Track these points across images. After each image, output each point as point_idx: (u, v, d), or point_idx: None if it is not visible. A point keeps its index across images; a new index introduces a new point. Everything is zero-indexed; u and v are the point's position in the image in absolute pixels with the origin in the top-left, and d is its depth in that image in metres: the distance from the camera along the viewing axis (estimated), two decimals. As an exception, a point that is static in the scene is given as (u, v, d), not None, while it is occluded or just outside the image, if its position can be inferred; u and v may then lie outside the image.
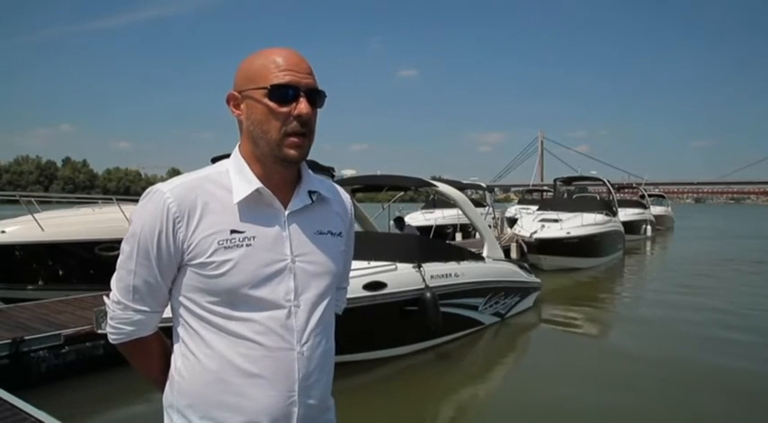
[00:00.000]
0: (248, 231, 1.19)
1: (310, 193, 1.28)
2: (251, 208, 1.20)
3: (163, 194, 1.17)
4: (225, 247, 1.17)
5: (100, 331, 5.32)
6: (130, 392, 5.29)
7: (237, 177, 1.22)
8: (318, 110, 1.23)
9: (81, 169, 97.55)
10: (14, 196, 9.43)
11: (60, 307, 6.78)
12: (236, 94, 1.22)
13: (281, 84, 1.17)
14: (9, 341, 5.24)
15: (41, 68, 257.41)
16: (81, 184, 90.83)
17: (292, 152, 1.19)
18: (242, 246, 1.18)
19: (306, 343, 1.22)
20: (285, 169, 1.24)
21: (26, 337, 5.36)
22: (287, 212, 1.24)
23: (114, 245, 8.55)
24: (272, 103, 1.17)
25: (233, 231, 1.18)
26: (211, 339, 1.19)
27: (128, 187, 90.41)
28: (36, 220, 8.22)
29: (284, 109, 1.17)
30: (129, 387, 5.23)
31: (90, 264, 8.57)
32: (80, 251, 8.54)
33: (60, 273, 8.55)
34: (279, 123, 1.18)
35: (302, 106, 1.17)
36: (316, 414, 1.26)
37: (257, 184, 1.21)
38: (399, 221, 10.29)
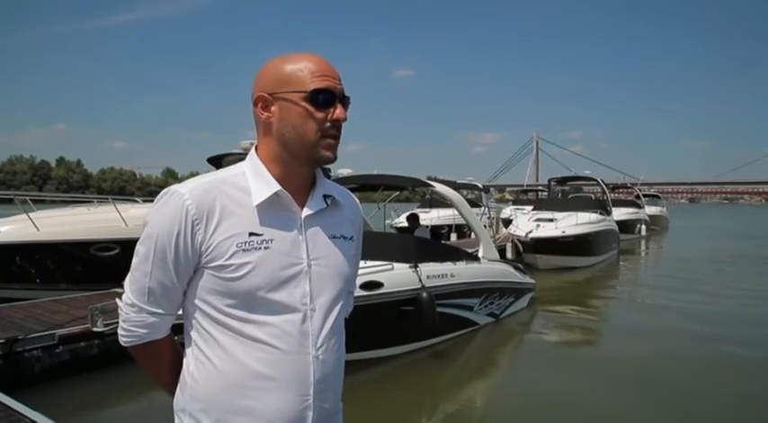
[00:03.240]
0: (266, 234, 1.19)
1: (325, 196, 1.29)
2: (269, 211, 1.21)
3: (181, 196, 1.17)
4: (243, 250, 1.17)
5: (96, 329, 5.32)
6: (125, 392, 5.29)
7: (256, 180, 1.22)
8: None
9: (75, 169, 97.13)
10: (9, 195, 9.40)
11: (55, 307, 6.75)
12: (266, 95, 1.22)
13: (322, 88, 1.19)
14: (3, 341, 5.22)
15: (36, 68, 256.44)
16: (75, 185, 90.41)
17: (328, 153, 1.22)
18: (260, 248, 1.18)
19: (321, 347, 1.23)
20: (309, 171, 1.27)
21: (20, 337, 5.33)
22: (303, 216, 1.24)
23: (110, 245, 8.54)
24: (310, 107, 1.19)
25: (251, 234, 1.18)
26: (227, 343, 1.19)
27: (122, 187, 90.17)
28: (31, 219, 8.18)
29: (321, 113, 1.19)
30: (124, 387, 5.23)
31: (86, 264, 8.54)
32: (76, 251, 8.51)
33: (55, 272, 8.52)
34: (316, 126, 1.20)
35: (339, 111, 1.21)
36: (327, 416, 1.27)
37: (276, 186, 1.21)
38: (413, 219, 10.20)
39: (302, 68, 1.20)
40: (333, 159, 1.23)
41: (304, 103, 1.19)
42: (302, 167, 1.24)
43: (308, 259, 1.23)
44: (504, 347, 7.68)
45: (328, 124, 1.20)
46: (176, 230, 1.16)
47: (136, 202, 10.70)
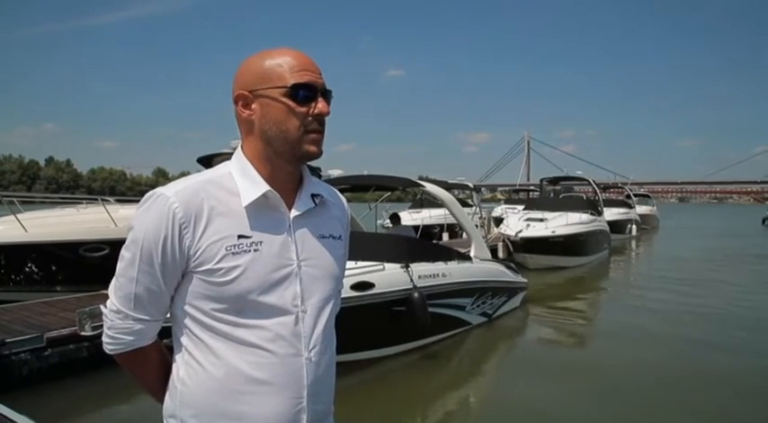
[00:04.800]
0: (255, 236, 1.17)
1: (313, 196, 1.27)
2: (258, 212, 1.19)
3: (168, 199, 1.14)
4: (233, 253, 1.15)
5: (83, 333, 5.25)
6: (115, 395, 5.23)
7: (243, 180, 1.20)
8: None
9: (65, 169, 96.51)
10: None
11: (43, 308, 6.68)
12: (246, 93, 1.20)
13: (302, 83, 1.17)
14: (-10, 344, 5.15)
15: (24, 66, 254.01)
16: (65, 184, 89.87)
17: (313, 148, 1.20)
18: (250, 251, 1.16)
19: (313, 348, 1.22)
20: (296, 168, 1.24)
21: (7, 340, 5.26)
22: (292, 216, 1.23)
23: (100, 245, 8.46)
24: (292, 103, 1.17)
25: (240, 236, 1.16)
26: (218, 347, 1.17)
27: (112, 187, 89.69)
28: (19, 220, 8.10)
29: (303, 108, 1.18)
30: (113, 390, 5.17)
31: (74, 265, 8.46)
32: (64, 252, 8.43)
33: (44, 274, 8.44)
34: (298, 122, 1.18)
35: (321, 105, 1.19)
36: (320, 418, 1.26)
37: (265, 187, 1.19)
38: (395, 218, 10.35)
39: (281, 64, 1.18)
40: (318, 154, 1.21)
41: (285, 99, 1.17)
42: (288, 165, 1.22)
43: (297, 260, 1.21)
44: (496, 347, 7.68)
45: (310, 119, 1.18)
46: (163, 235, 1.13)
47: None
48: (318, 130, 1.20)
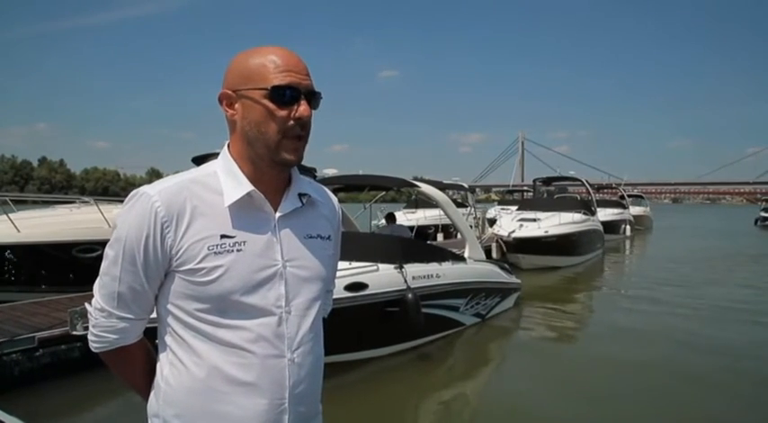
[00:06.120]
0: (238, 236, 1.16)
1: (300, 195, 1.26)
2: (241, 212, 1.18)
3: (150, 198, 1.13)
4: (215, 253, 1.14)
5: (75, 333, 5.22)
6: (107, 396, 5.21)
7: (228, 179, 1.19)
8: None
9: (58, 169, 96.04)
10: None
11: (35, 309, 6.64)
12: (230, 92, 1.18)
13: (283, 85, 1.14)
14: (-19, 344, 5.11)
15: (17, 66, 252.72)
16: (58, 185, 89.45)
17: (290, 156, 1.18)
18: (232, 251, 1.15)
19: (297, 350, 1.21)
20: (279, 172, 1.22)
21: (-1, 341, 5.23)
22: (277, 216, 1.21)
23: (93, 246, 8.41)
24: (271, 105, 1.14)
25: (223, 236, 1.15)
26: (200, 347, 1.17)
27: (106, 187, 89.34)
28: (11, 220, 8.04)
29: (284, 111, 1.15)
30: (105, 390, 5.15)
31: (67, 265, 8.41)
32: (57, 252, 8.38)
33: (36, 274, 8.39)
34: (278, 125, 1.15)
35: (303, 109, 1.15)
36: (304, 420, 1.25)
37: (249, 186, 1.18)
38: (391, 217, 10.35)
39: (265, 64, 1.15)
40: (296, 162, 1.19)
41: (265, 101, 1.14)
42: (270, 168, 1.20)
43: (282, 261, 1.20)
44: (488, 348, 7.67)
45: (291, 122, 1.15)
46: (145, 233, 1.13)
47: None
48: (299, 135, 1.17)
